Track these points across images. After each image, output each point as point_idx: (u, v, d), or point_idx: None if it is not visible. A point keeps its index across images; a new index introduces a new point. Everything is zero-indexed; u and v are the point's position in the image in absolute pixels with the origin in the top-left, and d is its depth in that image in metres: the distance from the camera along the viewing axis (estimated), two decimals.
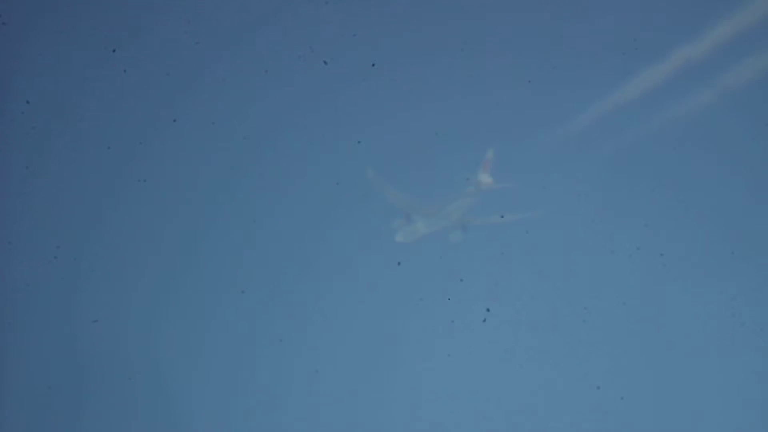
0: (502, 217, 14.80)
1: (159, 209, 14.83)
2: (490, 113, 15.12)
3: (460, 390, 14.40)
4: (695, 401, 14.20)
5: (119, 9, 15.23)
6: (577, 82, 15.07)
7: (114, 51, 15.05)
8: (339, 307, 14.61)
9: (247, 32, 15.26)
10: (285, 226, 14.82)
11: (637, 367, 14.33)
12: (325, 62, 15.12)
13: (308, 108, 15.13)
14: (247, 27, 15.27)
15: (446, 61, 15.14)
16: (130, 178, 14.83)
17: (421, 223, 14.69)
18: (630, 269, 14.60)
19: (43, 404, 14.29)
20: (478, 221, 14.61)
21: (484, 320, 14.45)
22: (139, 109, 15.02)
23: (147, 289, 14.58)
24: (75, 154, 14.87)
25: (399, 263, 14.65)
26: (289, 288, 14.75)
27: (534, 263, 14.69)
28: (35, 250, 14.58)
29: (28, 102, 14.86)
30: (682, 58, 15.01)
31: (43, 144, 14.83)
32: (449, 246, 14.77)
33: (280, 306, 14.63)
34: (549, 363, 14.39)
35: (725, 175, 14.78)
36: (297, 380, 14.43)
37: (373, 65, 15.12)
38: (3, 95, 14.96)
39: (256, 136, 15.02)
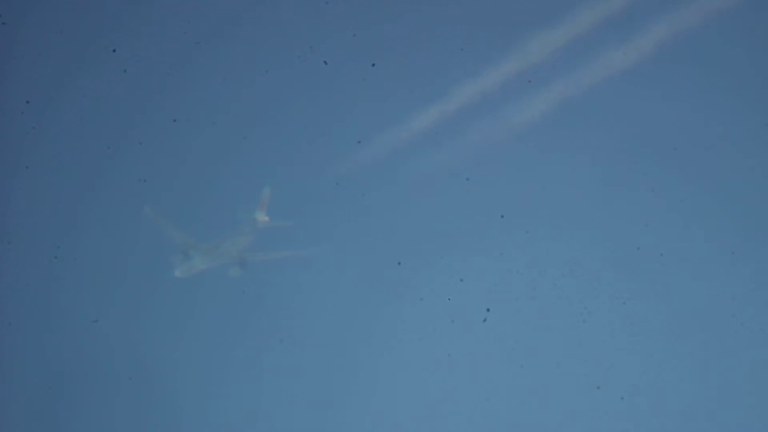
0: (502, 216, 14.81)
1: (159, 209, 14.83)
2: (491, 114, 15.14)
3: (460, 389, 14.40)
4: (695, 401, 14.21)
5: (119, 9, 15.23)
6: (576, 82, 15.09)
7: (114, 51, 15.05)
8: (339, 307, 14.61)
9: (247, 33, 15.26)
10: (285, 226, 14.82)
11: (637, 367, 14.34)
12: (325, 62, 15.12)
13: (308, 108, 15.14)
14: (247, 27, 15.28)
15: (446, 61, 15.15)
16: (130, 178, 14.83)
17: (198, 258, 15.06)
18: (630, 269, 14.61)
19: (43, 404, 14.29)
20: (258, 257, 14.92)
21: (484, 320, 14.45)
22: (139, 109, 15.03)
23: (147, 289, 14.58)
24: (75, 154, 14.88)
25: (399, 263, 14.66)
26: (289, 288, 14.76)
27: (534, 263, 14.70)
28: (35, 250, 14.59)
29: (28, 102, 14.86)
30: (681, 54, 15.04)
31: (43, 144, 14.83)
32: (449, 246, 14.78)
33: (281, 306, 14.63)
34: (549, 363, 14.40)
35: (725, 176, 14.79)
36: (297, 379, 14.43)
37: (373, 65, 15.13)
38: (3, 95, 14.96)
39: (256, 136, 15.03)
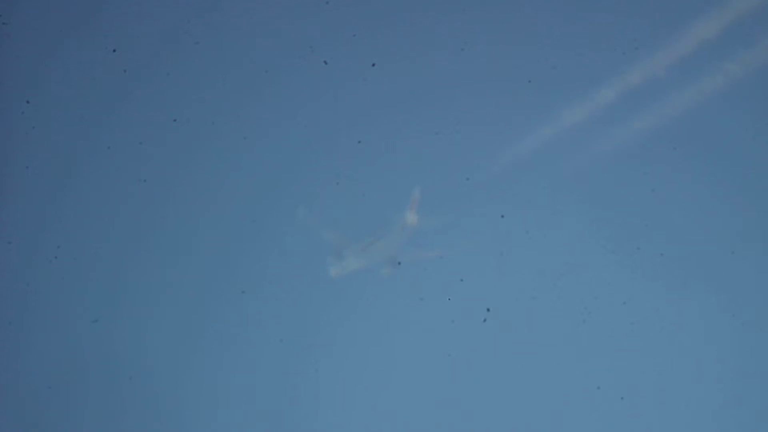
0: (502, 216, 14.81)
1: (159, 209, 14.84)
2: (491, 114, 15.14)
3: (459, 390, 14.40)
4: (695, 401, 14.21)
5: (119, 9, 15.24)
6: (576, 81, 15.09)
7: (114, 51, 15.06)
8: (339, 307, 14.62)
9: (247, 32, 15.27)
10: (285, 226, 14.84)
11: (637, 367, 14.34)
12: (325, 62, 15.12)
13: (308, 108, 15.14)
14: (247, 27, 15.28)
15: (446, 61, 15.15)
16: (130, 178, 14.85)
17: (351, 258, 15.03)
18: (630, 269, 14.60)
19: (43, 404, 14.30)
20: (411, 256, 14.85)
21: (484, 320, 14.46)
22: (139, 109, 15.04)
23: (147, 289, 14.59)
24: (75, 154, 14.89)
25: (399, 263, 14.66)
26: (289, 288, 14.76)
27: (534, 263, 14.70)
28: (35, 250, 14.60)
29: (28, 102, 14.87)
30: (680, 58, 15.03)
31: (43, 144, 14.84)
32: (449, 246, 14.78)
33: (280, 306, 14.64)
34: (549, 363, 14.40)
35: (725, 175, 14.78)
36: (297, 380, 14.45)
37: (373, 65, 15.13)
38: (3, 95, 14.97)
39: (256, 136, 15.04)
